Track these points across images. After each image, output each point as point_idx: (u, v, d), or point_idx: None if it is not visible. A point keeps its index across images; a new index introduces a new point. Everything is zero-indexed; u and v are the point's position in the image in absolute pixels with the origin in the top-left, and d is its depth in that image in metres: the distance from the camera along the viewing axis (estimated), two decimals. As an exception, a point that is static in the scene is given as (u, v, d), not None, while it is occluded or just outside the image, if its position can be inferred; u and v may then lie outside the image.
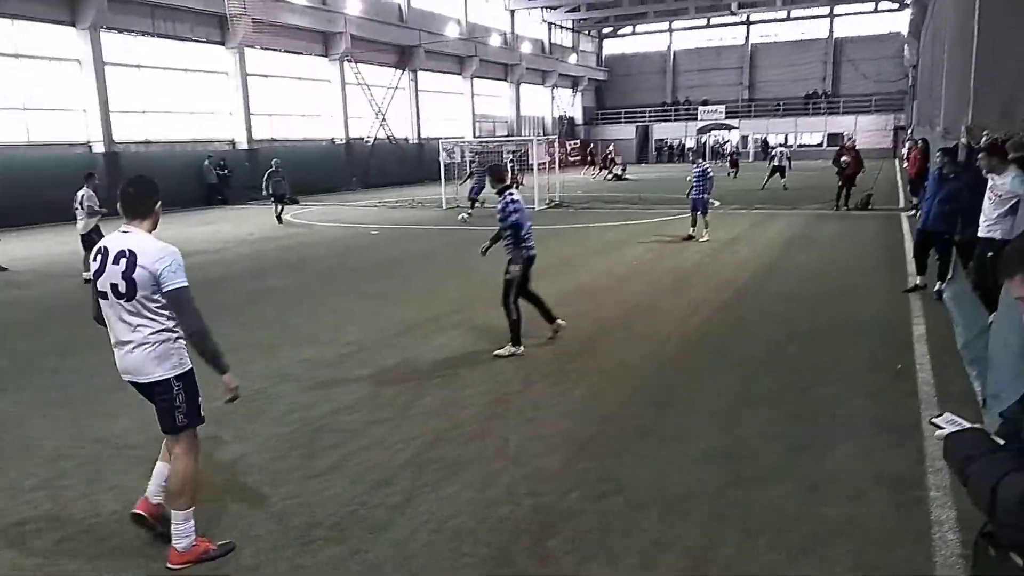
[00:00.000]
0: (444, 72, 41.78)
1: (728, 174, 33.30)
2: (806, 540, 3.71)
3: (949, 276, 8.82)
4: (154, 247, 3.48)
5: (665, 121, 56.99)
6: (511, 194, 6.97)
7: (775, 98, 54.75)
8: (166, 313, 3.52)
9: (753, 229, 16.15)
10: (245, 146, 29.25)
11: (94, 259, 3.57)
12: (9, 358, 7.56)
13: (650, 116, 57.66)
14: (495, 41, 45.06)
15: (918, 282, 9.27)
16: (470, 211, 20.32)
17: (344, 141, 34.65)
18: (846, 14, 53.44)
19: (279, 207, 20.61)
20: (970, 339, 6.48)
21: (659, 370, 6.59)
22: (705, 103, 55.89)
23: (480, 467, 4.63)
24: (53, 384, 6.63)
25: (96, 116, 23.65)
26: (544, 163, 25.20)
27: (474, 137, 41.64)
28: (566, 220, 18.97)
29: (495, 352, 7.05)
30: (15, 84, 21.98)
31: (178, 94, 27.06)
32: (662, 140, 56.88)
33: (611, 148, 41.11)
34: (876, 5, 51.78)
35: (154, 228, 3.62)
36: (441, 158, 24.84)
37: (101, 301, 3.56)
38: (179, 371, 3.58)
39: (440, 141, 26.92)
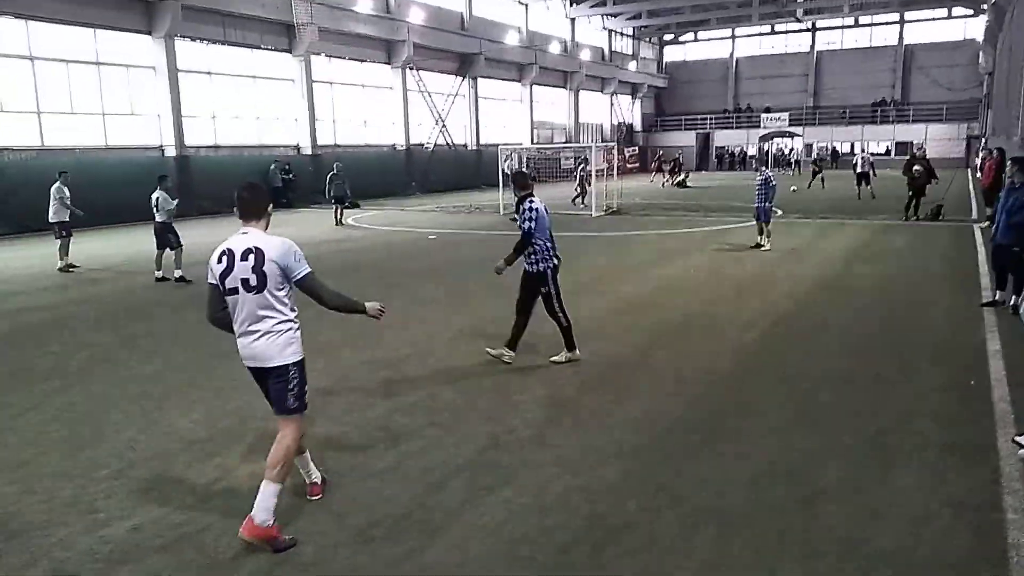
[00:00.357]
0: (503, 79, 42.04)
1: (810, 182, 31.51)
2: (871, 564, 3.59)
3: (1026, 291, 8.45)
4: (277, 242, 3.92)
5: (726, 128, 56.16)
6: (531, 201, 6.73)
7: (841, 105, 53.39)
8: (289, 303, 3.95)
9: (818, 239, 15.76)
10: (309, 151, 29.94)
11: (219, 261, 3.89)
12: (86, 350, 7.90)
13: (711, 123, 56.89)
14: (555, 48, 45.13)
15: (996, 296, 8.89)
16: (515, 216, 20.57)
17: (404, 147, 35.15)
18: (917, 20, 51.83)
19: (339, 210, 21.14)
20: (1049, 358, 6.19)
21: (716, 383, 6.48)
22: (768, 110, 54.89)
23: (535, 474, 4.63)
24: (126, 378, 6.89)
25: (169, 121, 24.54)
26: (602, 170, 25.10)
27: (532, 144, 41.75)
28: (624, 227, 18.84)
29: (552, 358, 7.03)
30: (94, 90, 22.98)
31: (246, 100, 27.90)
32: (723, 147, 56.09)
33: (679, 154, 40.77)
34: (950, 11, 50.09)
35: (267, 228, 4.03)
36: (500, 164, 24.99)
37: (229, 298, 3.90)
38: (296, 358, 3.97)
39: (499, 147, 27.09)
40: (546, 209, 6.87)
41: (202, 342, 7.90)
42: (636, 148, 53.90)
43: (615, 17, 50.98)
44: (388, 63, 34.00)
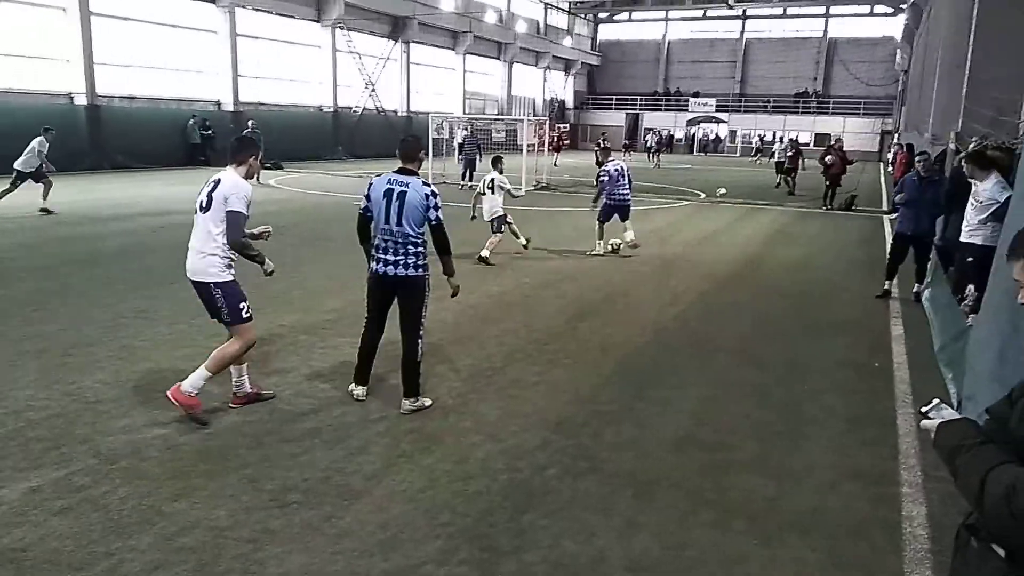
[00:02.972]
0: (437, 46, 41.33)
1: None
2: (779, 528, 3.75)
3: (928, 279, 8.90)
4: (234, 180, 4.66)
5: (656, 110, 56.92)
6: (378, 177, 4.98)
7: (766, 94, 54.85)
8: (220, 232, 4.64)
9: (738, 222, 16.21)
10: (231, 108, 28.75)
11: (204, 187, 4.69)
12: (-20, 306, 7.40)
13: (641, 104, 57.55)
14: (490, 18, 44.61)
15: (887, 286, 9.23)
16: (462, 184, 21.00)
17: (332, 109, 34.20)
18: (841, 15, 53.54)
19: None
20: (947, 342, 6.56)
21: (636, 355, 6.60)
22: (696, 95, 55.88)
23: (458, 441, 4.62)
24: (31, 334, 6.50)
25: (80, 67, 23.09)
26: (533, 145, 25.07)
27: (464, 113, 41.31)
28: (551, 203, 18.92)
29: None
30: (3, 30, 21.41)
31: (165, 50, 26.50)
32: (651, 129, 56.98)
33: (603, 134, 40.97)
34: (871, 8, 51.93)
35: (248, 175, 4.80)
36: (429, 133, 24.63)
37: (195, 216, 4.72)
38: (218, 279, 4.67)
39: (430, 115, 26.67)
40: (398, 194, 4.81)
41: (108, 300, 7.54)
42: (567, 125, 54.08)
43: (552, -9, 50.77)
44: (318, 21, 32.89)
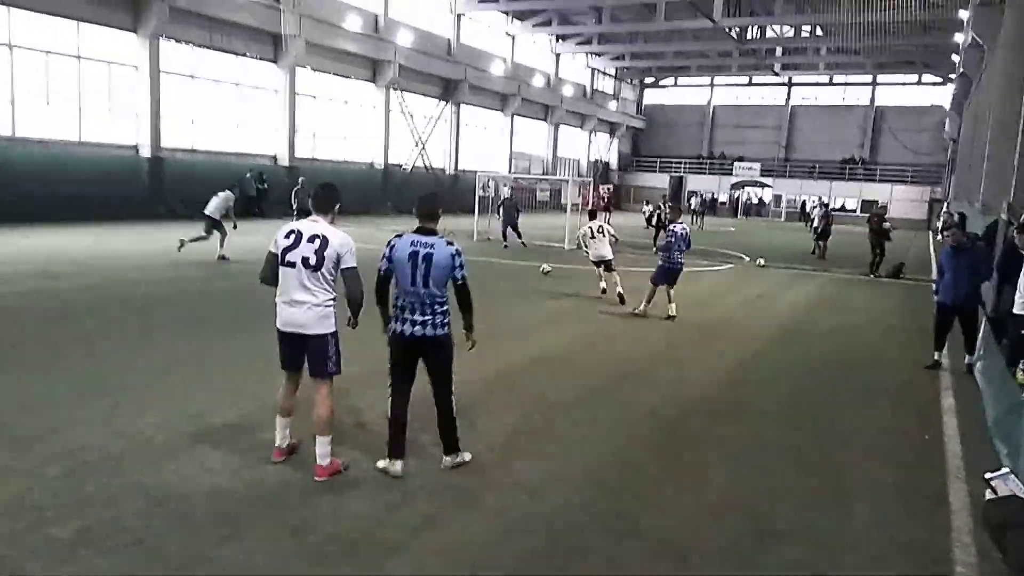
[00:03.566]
0: (486, 107, 42.42)
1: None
2: (824, 603, 3.65)
3: (980, 351, 8.69)
4: (341, 234, 4.79)
5: (700, 173, 57.16)
6: (400, 236, 4.96)
7: (811, 160, 54.76)
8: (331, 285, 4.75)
9: (783, 288, 16.06)
10: (286, 162, 29.78)
11: (287, 236, 4.70)
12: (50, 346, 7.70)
13: (686, 167, 57.89)
14: (538, 82, 45.75)
15: (936, 357, 8.96)
16: (505, 245, 21.23)
17: (383, 166, 35.16)
18: (889, 84, 53.60)
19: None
20: (1001, 415, 6.38)
21: (679, 417, 6.54)
22: (741, 159, 56.06)
23: (498, 498, 4.62)
24: (86, 374, 6.72)
25: (147, 121, 24.25)
26: (577, 204, 25.36)
27: (510, 172, 42.06)
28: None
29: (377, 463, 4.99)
30: (73, 84, 22.65)
31: (227, 106, 27.72)
32: (695, 192, 57.13)
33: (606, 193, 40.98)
34: (920, 77, 51.92)
35: (333, 222, 4.87)
36: (477, 190, 25.16)
37: (283, 268, 4.70)
38: (333, 329, 4.81)
39: (476, 174, 27.23)
40: (423, 256, 4.76)
41: (159, 344, 7.80)
42: (611, 186, 54.63)
43: (599, 56, 51.93)
44: (373, 82, 34.12)
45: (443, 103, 38.70)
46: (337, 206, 4.89)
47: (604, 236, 12.83)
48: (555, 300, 12.49)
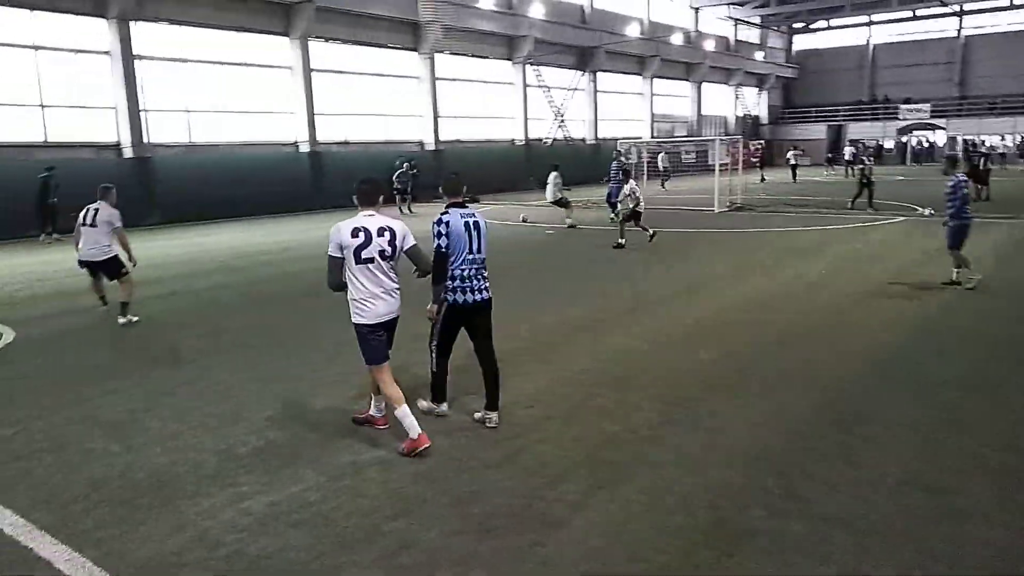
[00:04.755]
0: (624, 72, 41.55)
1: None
2: (1027, 589, 3.32)
3: None
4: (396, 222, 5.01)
5: (861, 120, 53.09)
6: (447, 211, 5.30)
7: (991, 95, 49.29)
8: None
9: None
10: (432, 147, 30.70)
11: (355, 235, 4.79)
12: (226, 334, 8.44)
13: (844, 115, 53.96)
14: (677, 40, 44.14)
15: None
16: (612, 216, 20.11)
17: (523, 142, 35.42)
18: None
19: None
20: None
21: (848, 387, 6.15)
22: (907, 101, 51.47)
23: (655, 473, 4.56)
24: (262, 361, 7.30)
25: (303, 119, 25.81)
26: (726, 164, 24.36)
27: (652, 137, 41.06)
28: (748, 224, 18.22)
29: (418, 403, 5.59)
30: (237, 89, 24.48)
31: (374, 98, 28.92)
32: (856, 140, 53.15)
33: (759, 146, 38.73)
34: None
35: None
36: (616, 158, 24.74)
37: (362, 266, 4.82)
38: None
39: (617, 142, 26.80)
40: (474, 225, 5.27)
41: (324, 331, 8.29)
42: (762, 142, 51.98)
43: (741, 6, 49.24)
44: (509, 59, 34.34)
45: (579, 72, 38.29)
46: (381, 197, 5.08)
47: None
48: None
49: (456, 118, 32.47)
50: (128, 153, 21.70)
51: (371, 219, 4.88)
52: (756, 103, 55.42)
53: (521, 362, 7.04)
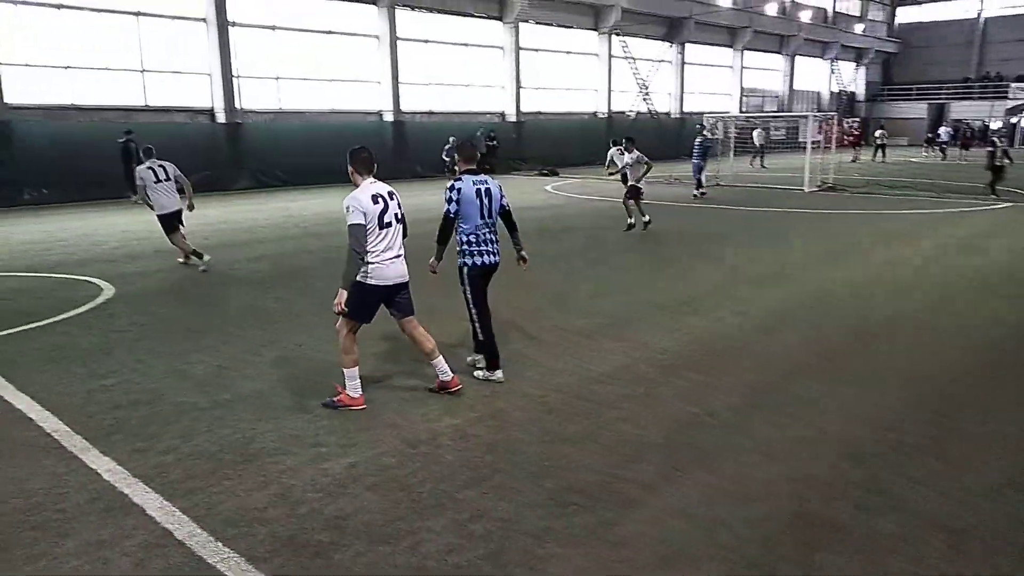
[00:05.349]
0: (713, 44, 40.28)
1: None
2: None
3: None
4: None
5: (966, 99, 49.98)
6: (458, 180, 5.51)
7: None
8: None
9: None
10: (514, 118, 30.57)
11: (376, 201, 4.93)
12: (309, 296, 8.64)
13: (947, 93, 50.90)
14: (771, 10, 42.40)
15: None
16: (696, 192, 19.61)
17: (606, 114, 34.86)
18: None
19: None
20: None
21: (947, 382, 5.82)
22: (1021, 79, 48.12)
23: (736, 460, 4.42)
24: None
25: (388, 87, 26.07)
26: (818, 142, 23.38)
27: (740, 112, 39.78)
28: (839, 205, 17.47)
29: (475, 371, 5.82)
30: (325, 58, 24.89)
31: (457, 68, 28.95)
32: (959, 120, 50.15)
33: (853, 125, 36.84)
34: None
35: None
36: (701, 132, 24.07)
37: (384, 230, 4.97)
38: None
39: (704, 116, 26.06)
40: (485, 192, 5.52)
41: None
42: (858, 119, 49.70)
43: (843, -25, 46.90)
44: (595, 29, 33.74)
45: (667, 44, 37.31)
46: (376, 165, 5.12)
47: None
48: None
49: (538, 89, 32.19)
50: (221, 118, 22.42)
51: (377, 185, 5.03)
52: (853, 79, 52.90)
53: (600, 339, 6.95)
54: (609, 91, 34.74)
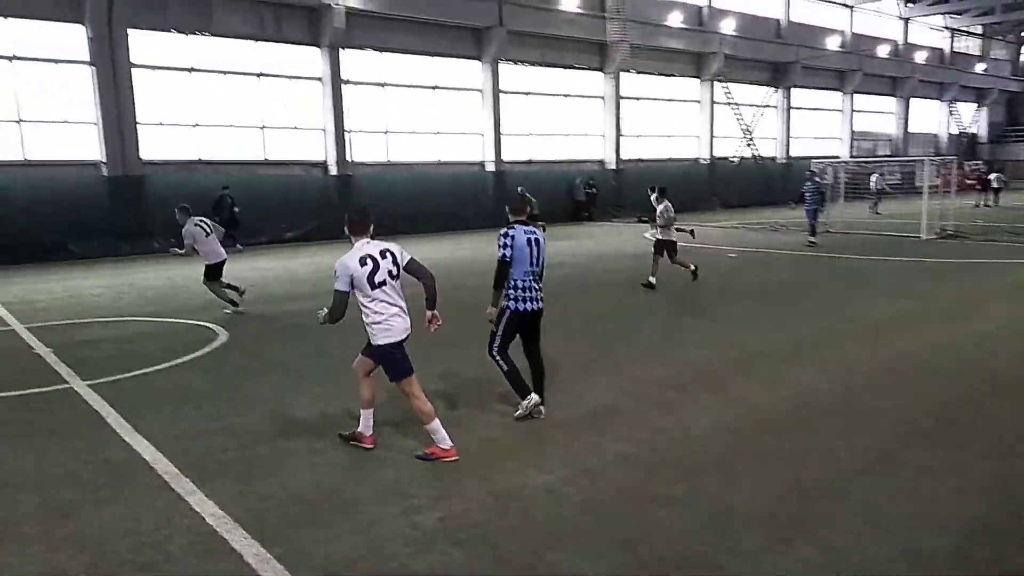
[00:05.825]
0: (820, 88, 39.24)
1: None
2: None
3: None
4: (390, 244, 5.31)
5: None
6: (512, 228, 5.88)
7: None
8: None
9: None
10: (613, 166, 30.64)
11: (363, 264, 5.05)
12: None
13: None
14: (882, 52, 41.00)
15: None
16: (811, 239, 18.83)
17: (708, 160, 34.43)
18: None
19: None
20: None
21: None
22: None
23: (846, 533, 4.13)
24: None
25: (491, 139, 26.74)
26: (936, 186, 22.20)
27: (851, 156, 38.42)
28: (961, 254, 16.43)
29: (516, 415, 5.98)
30: (431, 112, 25.81)
31: (557, 118, 29.39)
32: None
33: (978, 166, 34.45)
34: None
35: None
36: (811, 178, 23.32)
37: (377, 290, 5.09)
38: None
39: (812, 161, 25.27)
40: (535, 241, 5.91)
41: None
42: (980, 162, 46.94)
43: (960, 15, 44.89)
44: (697, 76, 33.59)
45: (771, 89, 36.64)
46: (372, 226, 5.30)
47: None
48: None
49: (638, 137, 32.20)
50: (333, 171, 23.55)
51: (370, 246, 5.16)
52: (973, 120, 50.19)
53: (697, 393, 6.74)
54: (711, 137, 34.35)
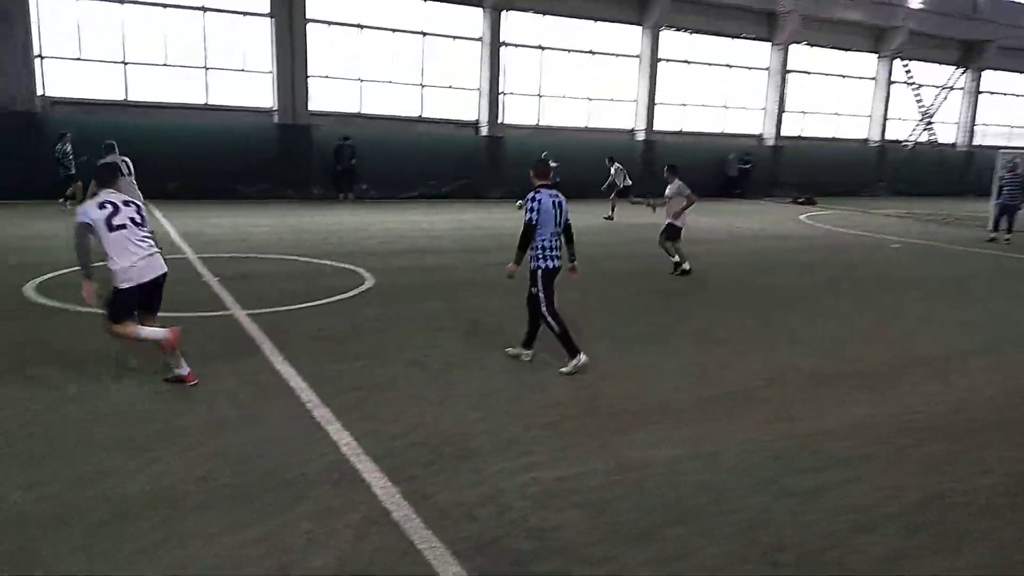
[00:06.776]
0: (1019, 71, 35.30)
1: None
2: None
3: None
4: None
5: None
6: (537, 192, 6.28)
7: None
8: None
9: None
10: (771, 142, 29.18)
11: (101, 208, 5.45)
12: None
13: None
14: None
15: None
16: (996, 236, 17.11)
17: (878, 143, 32.04)
18: None
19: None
20: None
21: None
22: None
23: (991, 548, 3.80)
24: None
25: (643, 106, 26.16)
26: None
27: (1047, 148, 34.50)
28: None
29: (561, 369, 6.37)
30: (586, 77, 25.55)
31: (715, 89, 28.26)
32: None
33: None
34: None
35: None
36: (996, 172, 21.16)
37: (114, 233, 5.45)
38: None
39: (999, 151, 22.93)
40: (558, 204, 6.34)
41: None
42: None
43: None
44: (875, 52, 31.16)
45: (958, 69, 33.39)
46: (119, 177, 5.82)
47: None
48: None
49: (802, 113, 30.41)
50: (484, 131, 23.92)
51: (117, 194, 5.59)
52: None
53: (844, 388, 6.37)
54: (884, 118, 31.88)
